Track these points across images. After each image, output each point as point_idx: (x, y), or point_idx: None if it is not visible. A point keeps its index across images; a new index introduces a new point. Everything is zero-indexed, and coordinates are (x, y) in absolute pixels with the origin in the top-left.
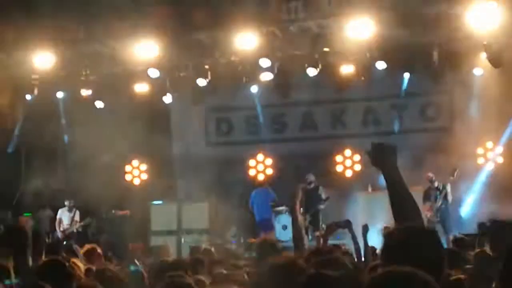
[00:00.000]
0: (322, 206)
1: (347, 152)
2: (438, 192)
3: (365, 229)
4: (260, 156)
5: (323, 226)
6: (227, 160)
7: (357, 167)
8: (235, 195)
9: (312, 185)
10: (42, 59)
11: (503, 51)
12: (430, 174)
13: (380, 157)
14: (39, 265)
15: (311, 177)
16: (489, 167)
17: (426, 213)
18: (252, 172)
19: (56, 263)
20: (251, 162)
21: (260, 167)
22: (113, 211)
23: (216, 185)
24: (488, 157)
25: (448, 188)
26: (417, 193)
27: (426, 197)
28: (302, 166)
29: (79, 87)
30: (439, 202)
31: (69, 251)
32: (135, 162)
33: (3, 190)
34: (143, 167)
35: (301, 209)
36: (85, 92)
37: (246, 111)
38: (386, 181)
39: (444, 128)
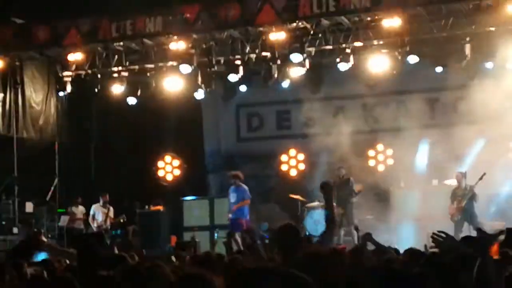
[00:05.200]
0: (354, 199)
1: (379, 146)
2: (464, 192)
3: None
4: (292, 151)
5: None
6: (259, 155)
7: (390, 162)
8: (268, 190)
9: (343, 178)
10: (75, 57)
11: None
12: (460, 173)
13: None
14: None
15: (342, 171)
16: None
17: (451, 212)
18: (284, 167)
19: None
20: (283, 157)
21: (293, 162)
22: (146, 207)
23: (248, 180)
24: None
25: (476, 190)
26: (449, 188)
27: (453, 196)
28: (334, 161)
29: (111, 83)
30: (464, 202)
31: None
32: (167, 158)
33: (38, 186)
34: (176, 162)
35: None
36: (118, 89)
37: (277, 106)
38: None
39: (477, 122)
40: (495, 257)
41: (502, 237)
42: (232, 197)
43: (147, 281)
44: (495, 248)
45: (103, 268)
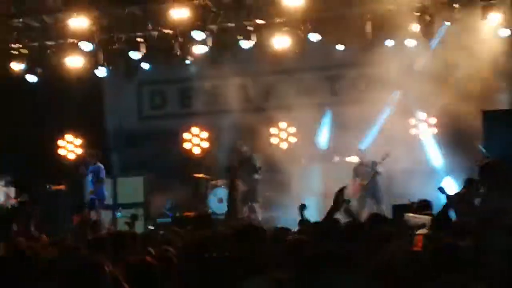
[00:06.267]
0: (257, 176)
1: (282, 124)
2: (367, 170)
3: (302, 208)
4: (195, 129)
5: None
6: (161, 133)
7: (292, 139)
8: (170, 169)
9: (246, 155)
10: None
11: (434, 22)
12: (361, 150)
13: None
14: None
15: (243, 147)
16: (422, 137)
17: (353, 189)
18: (187, 145)
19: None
20: (186, 135)
21: (196, 140)
22: (48, 186)
23: (151, 158)
24: (421, 127)
25: (379, 168)
26: (351, 165)
27: (356, 173)
28: (237, 138)
29: (10, 61)
30: (366, 181)
31: None
32: (69, 137)
33: None
34: (78, 141)
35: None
36: (17, 66)
37: (180, 84)
38: None
39: (377, 99)
40: (418, 249)
41: (425, 230)
42: (90, 176)
43: None
44: (419, 239)
45: None
